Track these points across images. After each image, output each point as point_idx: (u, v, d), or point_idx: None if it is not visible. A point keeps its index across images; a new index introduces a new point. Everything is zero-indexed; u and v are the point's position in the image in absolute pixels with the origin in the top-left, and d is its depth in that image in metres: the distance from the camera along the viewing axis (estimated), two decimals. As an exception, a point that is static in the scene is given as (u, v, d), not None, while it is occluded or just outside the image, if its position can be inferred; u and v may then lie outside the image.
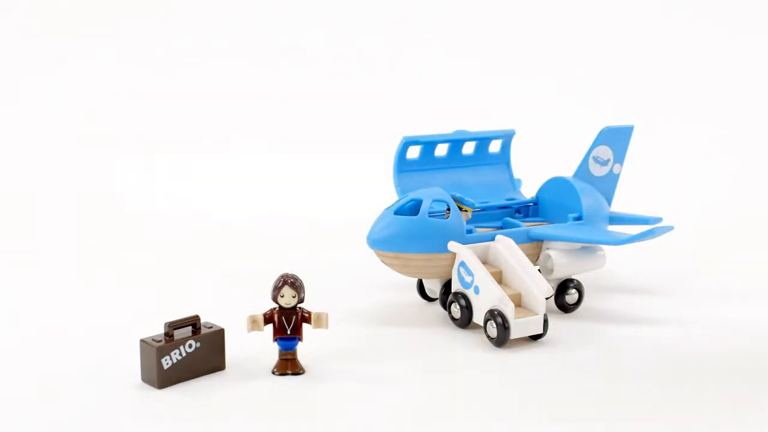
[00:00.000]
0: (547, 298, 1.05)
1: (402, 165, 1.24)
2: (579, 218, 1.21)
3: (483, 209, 1.23)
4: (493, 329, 1.04)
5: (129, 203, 1.79)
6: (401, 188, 1.22)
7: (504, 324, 1.02)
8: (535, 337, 1.05)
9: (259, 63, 2.18)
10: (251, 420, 0.87)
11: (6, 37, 2.15)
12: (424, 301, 1.21)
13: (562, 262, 1.15)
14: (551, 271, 1.15)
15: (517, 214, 1.26)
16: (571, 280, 1.17)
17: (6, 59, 2.14)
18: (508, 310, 1.02)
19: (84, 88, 2.16)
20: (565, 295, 1.16)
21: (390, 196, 1.23)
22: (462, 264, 1.08)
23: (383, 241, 1.12)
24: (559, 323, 1.13)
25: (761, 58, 1.92)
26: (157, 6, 2.18)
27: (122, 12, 2.18)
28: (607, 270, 1.27)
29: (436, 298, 1.18)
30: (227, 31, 2.21)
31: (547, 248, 1.16)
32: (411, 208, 1.13)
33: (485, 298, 1.05)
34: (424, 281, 1.20)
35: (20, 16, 2.17)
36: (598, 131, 1.25)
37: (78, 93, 2.15)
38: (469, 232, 1.13)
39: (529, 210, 1.27)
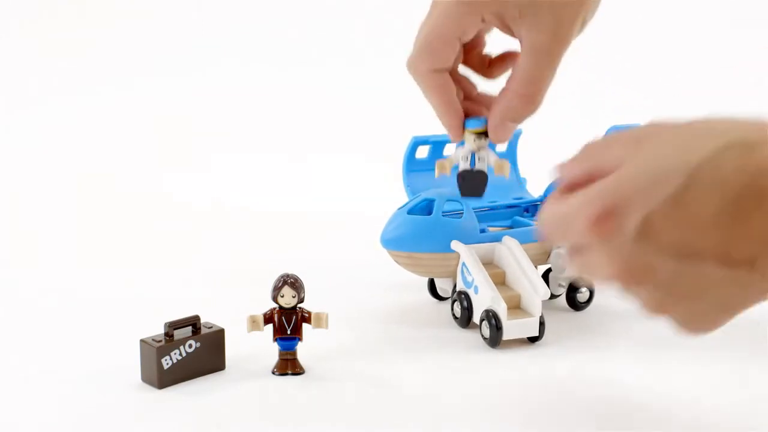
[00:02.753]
0: (550, 299, 1.08)
1: (411, 165, 1.26)
2: (588, 217, 1.23)
3: (491, 208, 1.26)
4: (486, 329, 1.06)
5: (129, 202, 1.82)
6: (411, 188, 1.24)
7: (497, 325, 1.05)
8: (534, 339, 1.08)
9: (264, 61, 2.21)
10: (251, 420, 0.90)
11: (13, 34, 2.19)
12: (434, 301, 1.24)
13: (574, 260, 1.17)
14: (563, 269, 1.18)
15: (525, 212, 1.29)
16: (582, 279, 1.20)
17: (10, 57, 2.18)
18: (501, 310, 1.05)
19: (85, 84, 2.19)
20: (577, 294, 1.19)
21: (395, 196, 1.25)
22: (464, 263, 1.11)
23: (396, 241, 1.15)
24: (569, 321, 1.16)
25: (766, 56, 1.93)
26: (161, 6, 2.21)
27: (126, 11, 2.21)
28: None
29: (448, 297, 1.20)
30: (229, 30, 2.24)
31: (559, 247, 1.19)
32: (424, 208, 1.16)
33: (482, 298, 1.08)
34: (436, 280, 1.23)
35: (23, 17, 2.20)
36: (605, 130, 1.27)
37: (79, 90, 2.18)
38: (482, 231, 1.16)
39: (537, 209, 1.30)
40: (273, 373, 1.00)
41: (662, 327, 1.13)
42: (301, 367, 1.00)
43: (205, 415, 0.91)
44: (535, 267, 1.12)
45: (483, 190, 1.06)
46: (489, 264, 1.13)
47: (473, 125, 1.02)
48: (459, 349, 1.07)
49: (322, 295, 1.05)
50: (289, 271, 0.99)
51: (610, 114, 1.17)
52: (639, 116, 1.31)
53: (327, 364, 1.02)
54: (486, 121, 1.01)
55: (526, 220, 1.23)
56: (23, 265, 1.44)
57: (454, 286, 1.16)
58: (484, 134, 1.02)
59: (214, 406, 0.92)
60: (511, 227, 1.21)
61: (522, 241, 1.14)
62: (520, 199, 1.29)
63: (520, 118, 1.00)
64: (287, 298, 0.98)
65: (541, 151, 1.48)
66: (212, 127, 2.10)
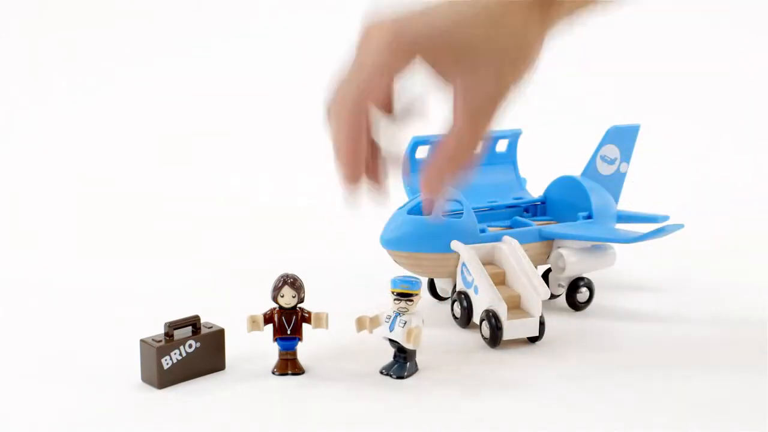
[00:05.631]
0: (550, 299, 1.08)
1: (411, 165, 1.27)
2: (589, 217, 1.24)
3: (491, 208, 1.27)
4: (487, 329, 1.07)
5: (129, 202, 1.83)
6: (411, 188, 1.26)
7: (497, 325, 1.06)
8: (534, 339, 1.09)
9: (263, 60, 2.21)
10: (251, 420, 0.90)
11: (13, 35, 2.20)
12: (434, 301, 1.25)
13: (574, 260, 1.18)
14: (563, 269, 1.18)
15: (524, 212, 1.30)
16: (581, 279, 1.20)
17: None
18: (501, 311, 1.06)
19: (85, 84, 2.20)
20: (576, 294, 1.20)
21: (395, 196, 1.26)
22: (464, 263, 1.12)
23: (396, 241, 1.16)
24: (569, 321, 1.16)
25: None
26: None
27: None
28: (616, 268, 1.29)
29: (448, 297, 1.21)
30: (230, 30, 2.25)
31: (559, 247, 1.20)
32: None
33: (482, 298, 1.09)
34: (436, 280, 1.24)
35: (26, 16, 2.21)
36: (605, 131, 1.28)
37: (79, 90, 2.19)
38: (482, 231, 1.17)
39: (536, 209, 1.31)
40: (273, 373, 1.00)
41: (661, 328, 1.15)
42: (301, 367, 1.01)
43: (205, 415, 0.91)
44: (535, 267, 1.13)
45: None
46: (489, 264, 1.13)
47: (396, 285, 0.97)
48: (459, 349, 1.08)
49: (322, 295, 1.06)
50: (289, 271, 1.00)
51: (610, 114, 1.17)
52: (639, 116, 1.32)
53: (327, 364, 1.03)
54: (414, 284, 0.96)
55: (526, 220, 1.24)
56: (24, 263, 1.45)
57: (454, 286, 1.17)
58: (407, 297, 0.96)
59: (214, 406, 0.93)
60: (511, 227, 1.22)
61: (522, 241, 1.15)
62: (520, 199, 1.30)
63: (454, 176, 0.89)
64: (287, 298, 0.99)
65: (541, 151, 1.50)
66: (212, 127, 2.11)
